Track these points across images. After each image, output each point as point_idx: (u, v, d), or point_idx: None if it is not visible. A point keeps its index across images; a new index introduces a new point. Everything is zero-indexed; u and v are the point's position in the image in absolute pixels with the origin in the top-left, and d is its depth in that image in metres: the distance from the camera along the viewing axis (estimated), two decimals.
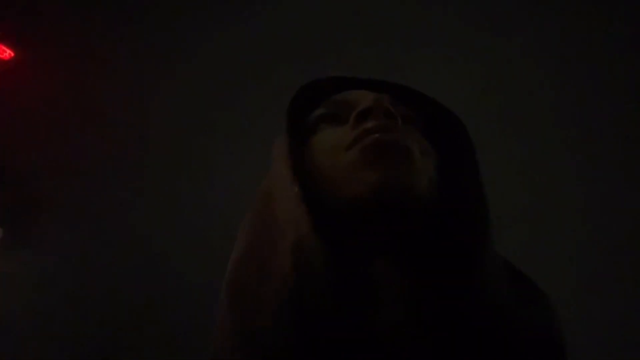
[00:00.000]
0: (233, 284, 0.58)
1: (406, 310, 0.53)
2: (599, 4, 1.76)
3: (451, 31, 1.82)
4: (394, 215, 0.57)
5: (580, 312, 1.40)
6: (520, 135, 1.87)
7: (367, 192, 0.56)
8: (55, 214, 2.14)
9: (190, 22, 1.95)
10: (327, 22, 1.85)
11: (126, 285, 2.06)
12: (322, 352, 0.50)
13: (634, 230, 1.83)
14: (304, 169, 0.59)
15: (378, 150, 0.56)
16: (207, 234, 1.91)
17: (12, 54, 1.99)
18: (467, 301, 0.54)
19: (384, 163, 0.56)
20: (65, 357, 2.10)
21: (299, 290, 0.51)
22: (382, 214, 0.56)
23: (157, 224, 2.07)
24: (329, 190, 0.58)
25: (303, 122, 0.66)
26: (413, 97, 0.69)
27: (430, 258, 0.57)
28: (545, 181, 1.89)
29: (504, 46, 1.81)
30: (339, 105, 0.64)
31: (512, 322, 0.54)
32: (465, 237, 0.58)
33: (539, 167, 1.89)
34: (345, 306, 0.51)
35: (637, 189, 1.84)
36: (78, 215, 2.11)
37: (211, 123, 1.98)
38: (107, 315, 2.09)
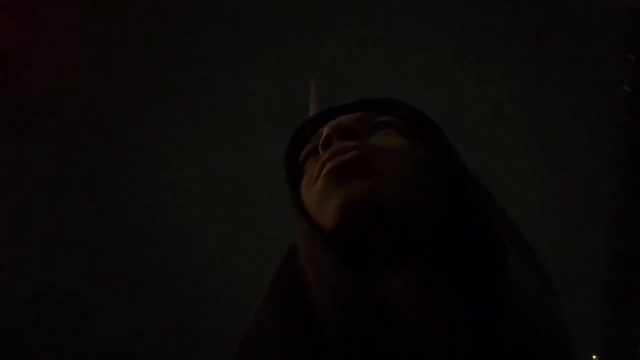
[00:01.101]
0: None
1: (424, 323, 0.54)
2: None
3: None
4: (381, 226, 0.57)
5: None
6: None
7: (336, 218, 0.57)
8: None
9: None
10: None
11: None
12: None
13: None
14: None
15: (335, 175, 0.58)
16: None
17: None
18: (489, 310, 0.53)
19: (344, 184, 0.57)
20: None
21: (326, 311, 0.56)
22: (368, 229, 0.57)
23: None
24: (319, 223, 0.60)
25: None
26: (402, 107, 0.71)
27: (446, 268, 0.57)
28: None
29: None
30: (318, 138, 0.66)
31: (533, 330, 0.54)
32: (482, 241, 0.57)
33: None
34: (365, 322, 0.53)
35: None
36: None
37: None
38: None
